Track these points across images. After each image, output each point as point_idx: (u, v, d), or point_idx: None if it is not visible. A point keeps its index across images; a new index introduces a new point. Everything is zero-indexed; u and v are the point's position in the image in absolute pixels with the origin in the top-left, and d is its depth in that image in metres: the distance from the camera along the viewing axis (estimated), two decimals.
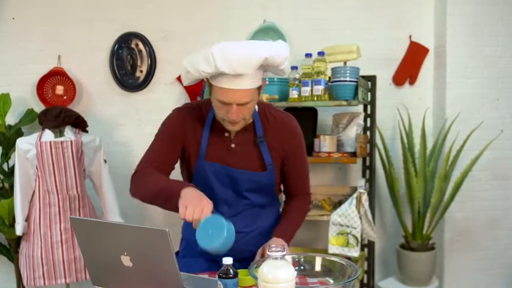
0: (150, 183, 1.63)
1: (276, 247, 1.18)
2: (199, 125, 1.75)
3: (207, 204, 1.44)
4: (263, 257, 1.54)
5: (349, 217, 2.84)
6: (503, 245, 3.45)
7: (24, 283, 2.94)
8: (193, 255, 1.78)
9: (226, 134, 1.74)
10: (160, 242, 1.21)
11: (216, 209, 1.73)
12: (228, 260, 1.37)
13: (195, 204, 1.42)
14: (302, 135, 1.83)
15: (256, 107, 1.76)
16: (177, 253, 1.86)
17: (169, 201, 1.53)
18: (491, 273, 3.47)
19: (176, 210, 1.47)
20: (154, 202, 1.62)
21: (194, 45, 3.40)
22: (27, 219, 2.93)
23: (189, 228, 1.78)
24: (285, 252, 1.17)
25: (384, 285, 3.32)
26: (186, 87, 3.40)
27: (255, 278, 1.26)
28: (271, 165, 1.75)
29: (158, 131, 1.80)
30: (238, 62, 1.48)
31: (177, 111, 1.81)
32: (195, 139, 1.74)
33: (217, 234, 1.36)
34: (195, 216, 1.40)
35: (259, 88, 1.64)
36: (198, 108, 1.79)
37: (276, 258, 1.17)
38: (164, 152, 1.74)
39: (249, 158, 1.74)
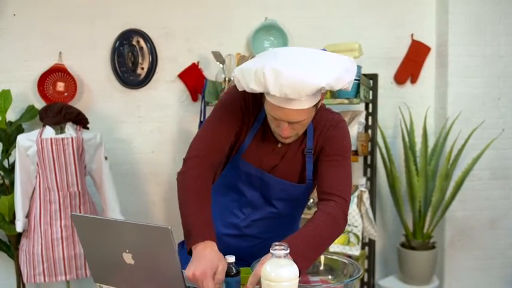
0: (181, 202, 1.48)
1: (279, 245, 1.17)
2: (254, 115, 1.60)
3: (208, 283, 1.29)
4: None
5: (350, 215, 2.84)
6: (503, 244, 3.45)
7: (24, 280, 2.94)
8: None
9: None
10: (162, 240, 1.21)
11: (240, 210, 1.69)
12: (230, 258, 1.36)
13: (201, 279, 1.29)
14: (348, 136, 1.62)
15: None
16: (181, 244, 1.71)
17: (185, 238, 1.43)
18: (491, 272, 3.47)
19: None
20: None
21: (195, 42, 3.40)
22: (28, 216, 2.93)
23: None
24: (288, 251, 1.16)
25: (384, 283, 3.32)
26: (187, 85, 3.40)
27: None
28: (311, 181, 1.62)
29: (220, 104, 1.60)
30: (290, 88, 1.31)
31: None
32: (244, 128, 1.60)
33: None
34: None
35: (317, 104, 1.45)
36: (256, 97, 1.58)
37: (279, 257, 1.16)
38: (219, 135, 1.54)
39: (290, 165, 1.61)
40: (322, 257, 1.54)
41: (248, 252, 1.45)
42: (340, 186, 1.53)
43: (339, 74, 1.35)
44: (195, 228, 1.40)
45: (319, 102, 1.45)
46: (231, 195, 1.69)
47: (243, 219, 1.69)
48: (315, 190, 1.67)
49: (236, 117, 1.57)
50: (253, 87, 1.36)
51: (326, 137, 1.59)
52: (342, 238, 2.87)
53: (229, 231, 1.70)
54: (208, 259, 1.33)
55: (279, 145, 1.60)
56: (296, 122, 1.44)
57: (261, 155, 1.61)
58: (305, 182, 1.62)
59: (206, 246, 1.37)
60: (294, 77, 1.31)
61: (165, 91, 3.44)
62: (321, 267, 1.53)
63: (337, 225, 1.48)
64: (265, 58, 1.39)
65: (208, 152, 1.53)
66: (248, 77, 1.38)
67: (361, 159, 3.26)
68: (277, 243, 1.17)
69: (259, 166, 1.62)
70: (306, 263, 1.36)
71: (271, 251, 1.17)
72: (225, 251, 1.42)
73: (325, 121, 1.60)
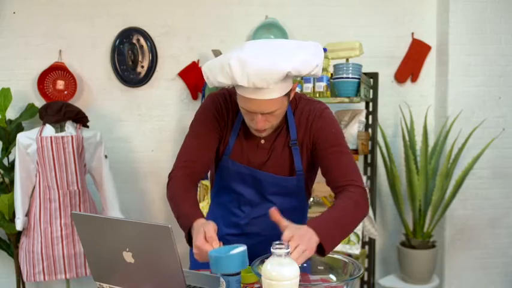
0: (173, 201, 1.55)
1: (279, 244, 1.17)
2: (232, 116, 1.62)
3: (206, 245, 1.32)
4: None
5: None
6: (504, 243, 3.45)
7: (24, 278, 2.94)
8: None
9: None
10: (163, 238, 1.20)
11: (240, 209, 1.69)
12: None
13: (199, 249, 1.33)
14: (332, 121, 1.60)
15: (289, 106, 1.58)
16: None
17: (182, 228, 1.48)
18: (491, 271, 3.47)
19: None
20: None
21: (196, 40, 3.40)
22: (28, 214, 2.93)
23: None
24: (289, 250, 1.16)
25: (384, 282, 3.32)
26: (187, 83, 3.39)
27: (258, 275, 1.26)
28: (301, 172, 1.61)
29: (194, 120, 1.64)
30: (257, 77, 1.32)
31: (213, 98, 1.63)
32: (226, 131, 1.62)
33: (226, 263, 1.28)
34: (201, 259, 1.35)
35: (289, 93, 1.46)
36: (231, 98, 1.63)
37: (280, 256, 1.16)
38: (199, 148, 1.59)
39: (277, 158, 1.61)
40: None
41: (252, 251, 1.45)
42: (348, 175, 1.52)
43: (304, 57, 1.36)
44: (186, 216, 1.45)
45: (290, 91, 1.46)
46: (229, 196, 1.70)
47: (243, 218, 1.69)
48: (315, 187, 1.67)
49: (212, 127, 1.60)
50: (221, 80, 1.38)
51: (314, 130, 1.58)
52: None
53: (232, 231, 1.71)
54: (200, 230, 1.35)
55: (262, 141, 1.61)
56: (269, 113, 1.44)
57: (247, 153, 1.62)
58: (295, 174, 1.62)
59: (197, 223, 1.40)
60: (260, 65, 1.31)
61: (165, 89, 3.43)
62: (321, 266, 1.52)
63: (360, 207, 1.47)
64: (230, 51, 1.41)
65: (190, 163, 1.58)
66: (215, 71, 1.39)
67: (361, 158, 3.26)
68: (277, 242, 1.17)
69: (248, 164, 1.62)
70: (330, 244, 1.35)
71: (271, 249, 1.16)
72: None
73: (308, 112, 1.60)
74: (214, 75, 1.40)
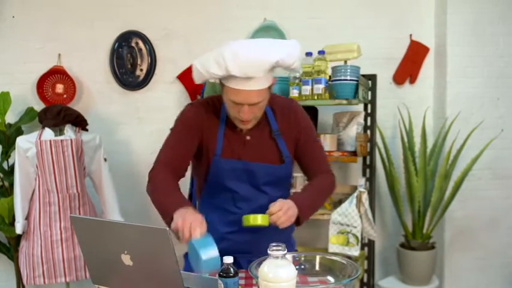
0: (155, 192, 1.64)
1: (276, 246, 1.17)
2: (214, 121, 1.75)
3: (196, 226, 1.42)
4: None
5: (349, 216, 2.84)
6: (503, 244, 3.45)
7: (24, 282, 2.94)
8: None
9: (239, 129, 1.74)
10: (161, 241, 1.21)
11: (236, 206, 1.75)
12: (228, 259, 1.36)
13: (183, 226, 1.42)
14: (307, 115, 1.82)
15: None
16: None
17: (164, 219, 1.56)
18: (491, 272, 3.47)
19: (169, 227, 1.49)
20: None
21: (194, 43, 3.40)
22: (27, 217, 2.93)
23: None
24: (285, 252, 1.17)
25: (384, 284, 3.32)
26: (186, 86, 3.40)
27: (256, 277, 1.26)
28: (288, 158, 1.76)
29: (174, 126, 1.79)
30: (249, 66, 1.50)
31: (192, 107, 1.79)
32: (211, 135, 1.74)
33: (197, 258, 1.37)
34: (184, 238, 1.42)
35: (270, 86, 1.64)
36: (212, 103, 1.78)
37: (277, 257, 1.16)
38: (178, 150, 1.73)
39: (265, 150, 1.74)
40: (320, 258, 1.54)
41: (253, 245, 1.57)
42: (320, 164, 1.82)
43: (288, 50, 1.57)
44: (171, 204, 1.54)
45: (272, 85, 1.64)
46: (223, 195, 1.76)
47: (240, 214, 1.72)
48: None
49: (188, 134, 1.73)
50: (214, 71, 1.54)
51: (296, 126, 1.76)
52: (341, 239, 2.87)
53: (231, 229, 1.76)
54: (190, 213, 1.46)
55: (248, 137, 1.74)
56: (255, 104, 1.60)
57: (236, 150, 1.73)
58: (283, 161, 1.76)
59: (186, 209, 1.49)
60: (251, 55, 1.50)
61: (164, 92, 3.44)
62: (320, 268, 1.53)
63: (330, 177, 1.80)
64: (221, 47, 1.55)
65: (170, 160, 1.73)
66: (207, 64, 1.56)
67: (360, 159, 3.26)
68: (274, 244, 1.18)
69: (238, 159, 1.73)
70: (305, 218, 1.64)
71: (268, 251, 1.17)
72: (230, 249, 1.55)
73: (281, 103, 1.80)
74: (207, 68, 1.56)
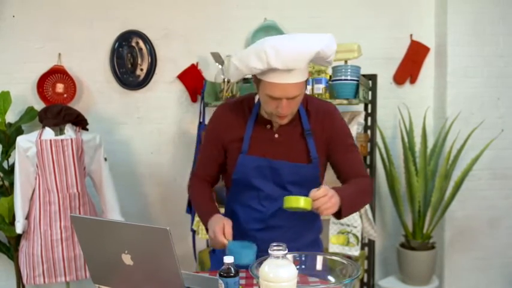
0: (192, 202, 1.89)
1: (277, 245, 1.17)
2: (242, 121, 1.76)
3: (220, 236, 1.60)
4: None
5: (349, 216, 2.83)
6: (503, 244, 3.45)
7: (24, 281, 2.94)
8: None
9: (268, 126, 1.74)
10: (161, 241, 1.21)
11: (261, 204, 1.76)
12: (228, 259, 1.36)
13: (213, 238, 1.62)
14: (344, 120, 1.81)
15: None
16: (213, 250, 1.94)
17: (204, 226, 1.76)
18: (491, 272, 3.47)
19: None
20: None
21: (194, 43, 3.40)
22: (27, 217, 2.93)
23: None
24: (286, 251, 1.17)
25: (384, 284, 3.32)
26: (186, 86, 3.40)
27: (256, 276, 1.26)
28: (316, 159, 1.73)
29: (205, 132, 1.88)
30: (291, 58, 1.49)
31: (221, 108, 1.82)
32: (237, 135, 1.75)
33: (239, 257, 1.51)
34: (217, 248, 1.63)
35: (306, 80, 1.64)
36: (240, 103, 1.80)
37: (278, 257, 1.16)
38: (208, 162, 1.86)
39: (293, 149, 1.73)
40: (321, 258, 1.54)
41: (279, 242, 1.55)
42: (357, 168, 1.76)
43: (327, 42, 1.55)
44: (203, 215, 1.76)
45: (307, 79, 1.64)
46: (248, 192, 1.78)
47: (265, 212, 1.76)
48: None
49: (212, 146, 1.82)
50: (255, 65, 1.53)
51: (329, 128, 1.74)
52: (341, 238, 2.87)
53: (255, 226, 1.78)
54: (215, 222, 1.65)
55: (276, 135, 1.73)
56: (292, 98, 1.58)
57: (262, 147, 1.73)
58: (311, 161, 1.73)
59: (213, 217, 1.69)
60: (292, 48, 1.50)
61: (165, 92, 3.44)
62: (320, 268, 1.53)
63: (367, 180, 1.75)
64: (258, 42, 1.57)
65: (202, 172, 1.89)
66: (247, 59, 1.55)
67: None
68: (274, 244, 1.18)
69: (263, 156, 1.73)
70: (349, 205, 1.62)
71: (269, 251, 1.17)
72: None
73: (317, 105, 1.78)
74: (247, 63, 1.55)
